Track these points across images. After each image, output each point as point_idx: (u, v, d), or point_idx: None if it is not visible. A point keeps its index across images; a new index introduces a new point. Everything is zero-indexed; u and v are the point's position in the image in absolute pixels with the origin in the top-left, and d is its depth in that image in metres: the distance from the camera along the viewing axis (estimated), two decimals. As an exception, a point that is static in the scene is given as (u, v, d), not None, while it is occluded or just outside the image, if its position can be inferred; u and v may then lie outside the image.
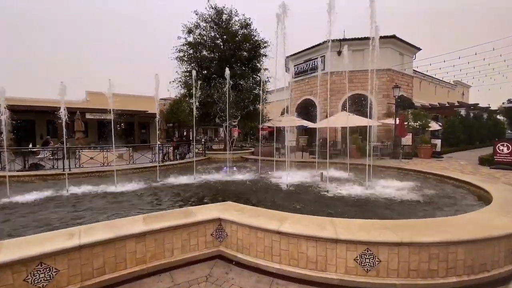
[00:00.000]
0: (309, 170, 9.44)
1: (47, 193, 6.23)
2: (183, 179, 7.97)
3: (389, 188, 6.48)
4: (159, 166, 8.88)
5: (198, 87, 13.77)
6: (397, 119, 13.53)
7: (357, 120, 11.17)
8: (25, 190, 6.41)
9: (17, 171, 9.04)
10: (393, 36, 17.58)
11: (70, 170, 8.37)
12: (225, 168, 9.96)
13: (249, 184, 7.58)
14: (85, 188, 6.67)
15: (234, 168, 10.07)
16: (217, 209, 3.55)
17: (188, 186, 7.22)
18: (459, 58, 16.51)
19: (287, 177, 7.50)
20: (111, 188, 6.71)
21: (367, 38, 16.86)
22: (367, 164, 6.49)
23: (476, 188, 5.72)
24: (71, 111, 15.46)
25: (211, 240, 3.27)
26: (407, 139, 13.92)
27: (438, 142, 14.47)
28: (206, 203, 5.50)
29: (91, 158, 9.79)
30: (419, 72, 22.99)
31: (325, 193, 6.09)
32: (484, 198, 5.04)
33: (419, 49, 20.03)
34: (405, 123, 13.62)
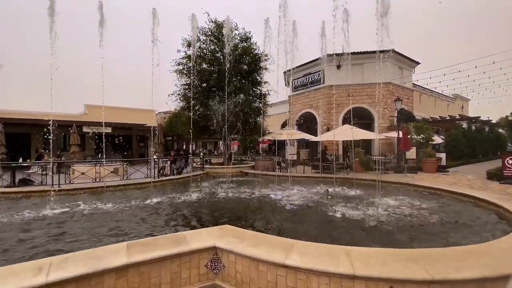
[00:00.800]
0: (312, 186, 8.98)
1: (30, 212, 5.76)
2: (178, 197, 7.50)
3: (402, 207, 6.02)
4: (153, 182, 8.45)
5: (200, 100, 13.57)
6: (400, 132, 13.24)
7: (361, 134, 10.86)
8: (7, 209, 5.95)
9: (4, 187, 8.59)
10: (392, 50, 17.69)
11: (59, 186, 7.90)
12: (223, 183, 9.52)
13: (248, 202, 7.08)
14: (71, 207, 6.20)
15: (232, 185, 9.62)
16: (213, 235, 3.12)
17: (182, 205, 6.73)
18: (459, 71, 16.56)
19: (290, 194, 7.06)
20: (99, 207, 6.24)
21: (366, 52, 17.01)
22: (377, 180, 6.07)
23: (495, 207, 5.29)
24: (68, 124, 15.35)
25: (205, 272, 2.82)
26: (411, 153, 13.56)
27: (443, 156, 14.09)
28: (201, 224, 5.06)
29: (83, 173, 9.32)
30: (419, 86, 23.06)
31: (333, 213, 5.61)
32: (507, 219, 4.63)
33: (418, 63, 20.18)
34: (408, 136, 13.31)
